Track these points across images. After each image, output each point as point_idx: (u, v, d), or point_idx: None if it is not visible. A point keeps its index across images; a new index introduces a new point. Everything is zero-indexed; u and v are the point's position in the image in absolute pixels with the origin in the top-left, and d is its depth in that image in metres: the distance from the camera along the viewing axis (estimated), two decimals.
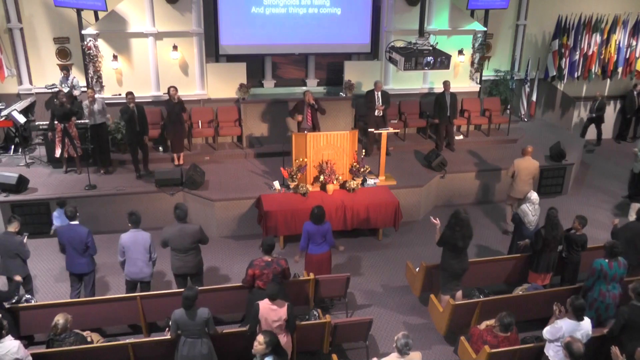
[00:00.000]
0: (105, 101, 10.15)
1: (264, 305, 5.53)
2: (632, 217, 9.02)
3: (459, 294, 7.07)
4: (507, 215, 9.63)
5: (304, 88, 12.03)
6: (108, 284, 8.01)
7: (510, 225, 9.52)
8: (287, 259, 6.45)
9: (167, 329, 5.97)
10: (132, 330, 7.05)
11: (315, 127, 10.24)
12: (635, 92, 13.62)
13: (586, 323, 5.54)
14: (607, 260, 6.47)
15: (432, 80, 12.13)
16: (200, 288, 6.65)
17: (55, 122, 9.61)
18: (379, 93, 10.74)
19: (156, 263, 7.10)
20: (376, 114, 10.72)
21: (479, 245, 9.21)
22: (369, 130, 10.40)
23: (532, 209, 7.82)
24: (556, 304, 5.97)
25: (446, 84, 11.04)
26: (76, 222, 6.95)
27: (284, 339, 5.65)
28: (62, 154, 9.73)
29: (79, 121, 9.92)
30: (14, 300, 6.58)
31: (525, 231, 7.86)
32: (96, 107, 9.71)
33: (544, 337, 5.65)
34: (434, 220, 7.02)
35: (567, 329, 5.44)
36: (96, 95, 9.91)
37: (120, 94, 10.66)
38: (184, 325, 5.53)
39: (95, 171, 9.97)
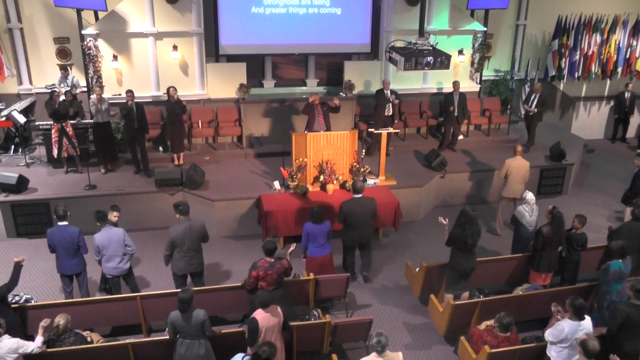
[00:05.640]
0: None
1: (260, 315, 5.49)
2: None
3: (465, 294, 7.07)
4: (498, 215, 9.61)
5: (304, 88, 12.04)
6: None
7: (499, 226, 9.58)
8: (288, 259, 6.44)
9: (167, 329, 5.98)
10: (132, 330, 7.04)
11: (328, 127, 10.07)
12: (626, 93, 13.59)
13: (587, 322, 5.52)
14: (621, 261, 6.47)
15: (440, 80, 12.14)
16: (200, 288, 6.65)
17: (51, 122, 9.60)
18: (388, 91, 10.75)
19: (133, 256, 7.14)
20: (386, 113, 10.70)
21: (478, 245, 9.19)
22: (369, 130, 10.39)
23: (528, 210, 7.81)
24: (554, 305, 5.97)
25: (455, 84, 11.07)
26: (65, 223, 6.85)
27: (278, 344, 5.61)
28: (59, 154, 9.73)
29: (82, 121, 9.91)
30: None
31: (524, 232, 7.85)
32: (104, 105, 9.72)
33: (546, 339, 5.63)
34: (443, 221, 7.02)
35: (569, 330, 5.41)
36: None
37: (120, 94, 10.67)
38: (180, 327, 5.52)
39: (97, 170, 9.95)
